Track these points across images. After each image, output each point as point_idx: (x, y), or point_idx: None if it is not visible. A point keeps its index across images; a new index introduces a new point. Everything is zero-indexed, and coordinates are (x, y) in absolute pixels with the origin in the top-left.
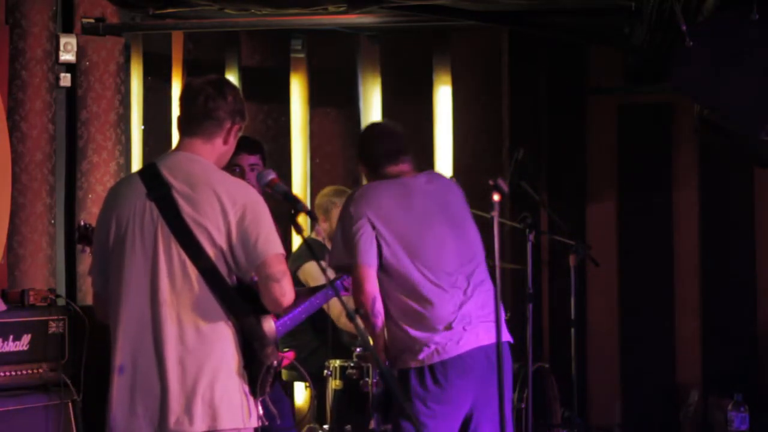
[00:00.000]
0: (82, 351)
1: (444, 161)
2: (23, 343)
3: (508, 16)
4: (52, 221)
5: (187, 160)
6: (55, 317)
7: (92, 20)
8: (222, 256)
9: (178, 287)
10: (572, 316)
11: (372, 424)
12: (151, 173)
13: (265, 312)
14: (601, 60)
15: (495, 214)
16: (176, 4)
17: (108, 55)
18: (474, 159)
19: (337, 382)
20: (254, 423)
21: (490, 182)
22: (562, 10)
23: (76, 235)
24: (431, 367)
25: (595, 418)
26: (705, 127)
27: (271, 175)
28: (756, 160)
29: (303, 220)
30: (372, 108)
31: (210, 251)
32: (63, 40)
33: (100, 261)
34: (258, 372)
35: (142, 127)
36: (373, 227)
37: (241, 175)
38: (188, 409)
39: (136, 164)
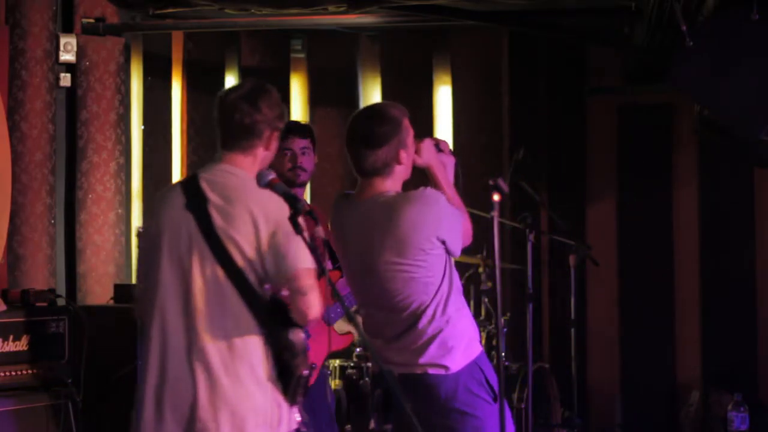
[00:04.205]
0: (82, 351)
1: None
2: (23, 343)
3: (508, 16)
4: (52, 221)
5: (226, 173)
6: (55, 317)
7: (92, 20)
8: (253, 269)
9: (210, 298)
10: (572, 316)
11: (372, 424)
12: (191, 185)
13: (293, 323)
14: (601, 60)
15: (495, 214)
16: (176, 4)
17: (108, 55)
18: (474, 159)
19: (337, 382)
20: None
21: (490, 182)
22: (562, 10)
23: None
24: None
25: (595, 418)
26: (705, 127)
27: (271, 175)
28: (756, 160)
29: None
30: None
31: (241, 264)
32: (63, 40)
33: (142, 266)
34: (289, 381)
35: (142, 127)
36: None
37: (293, 159)
38: (215, 417)
39: (136, 164)
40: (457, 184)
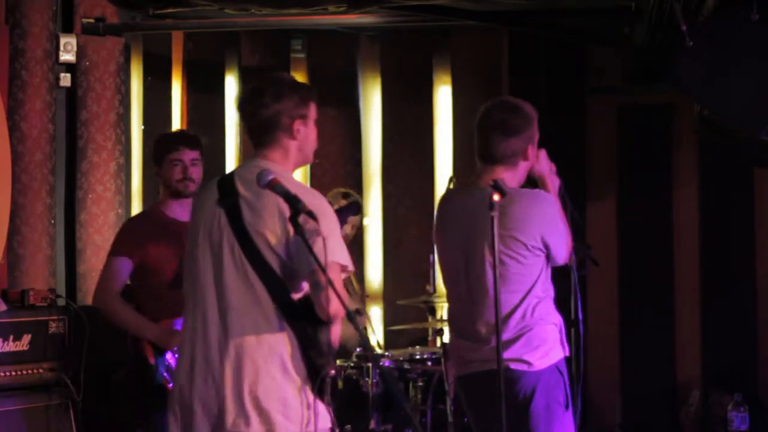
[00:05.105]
0: (82, 351)
1: (444, 161)
2: (23, 343)
3: (508, 16)
4: (52, 221)
5: (258, 168)
6: (55, 317)
7: (92, 20)
8: (280, 263)
9: (241, 293)
10: (572, 316)
11: (372, 424)
12: (226, 181)
13: (321, 322)
14: (601, 60)
15: (495, 214)
16: (176, 4)
17: (108, 55)
18: (474, 159)
19: (337, 382)
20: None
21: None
22: (562, 10)
23: None
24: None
25: (595, 418)
26: (705, 127)
27: (271, 175)
28: (756, 160)
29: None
30: (372, 108)
31: (269, 258)
32: (63, 40)
33: (185, 260)
34: (315, 380)
35: (142, 127)
36: None
37: (184, 171)
38: (244, 411)
39: (136, 164)
40: (564, 207)
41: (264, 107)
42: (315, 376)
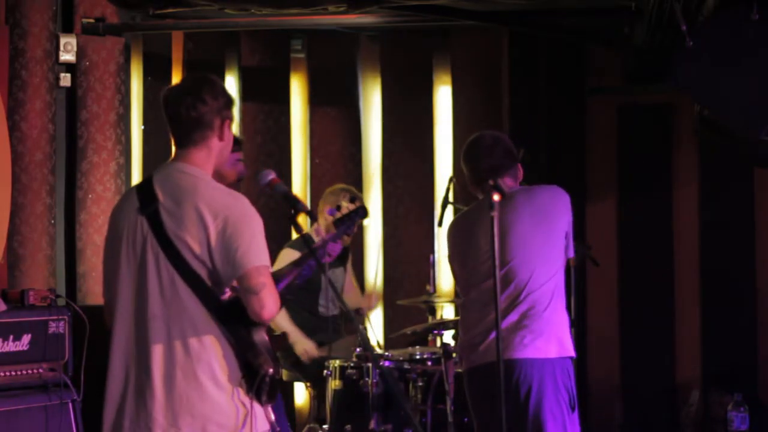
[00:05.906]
0: (82, 351)
1: (444, 161)
2: (23, 343)
3: (508, 16)
4: (52, 221)
5: (178, 173)
6: (55, 317)
7: (92, 20)
8: (206, 270)
9: (167, 301)
10: (572, 316)
11: (372, 424)
12: (145, 188)
13: (255, 323)
14: (601, 60)
15: (495, 214)
16: (176, 4)
17: (108, 55)
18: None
19: (337, 382)
20: None
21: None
22: (562, 10)
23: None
24: None
25: (595, 418)
26: (705, 127)
27: (271, 175)
28: (756, 160)
29: (303, 220)
30: (372, 108)
31: (194, 265)
32: (63, 40)
33: (105, 274)
34: (254, 381)
35: (142, 127)
36: None
37: (241, 171)
38: (175, 422)
39: (136, 164)
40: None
41: (202, 103)
42: (253, 378)
